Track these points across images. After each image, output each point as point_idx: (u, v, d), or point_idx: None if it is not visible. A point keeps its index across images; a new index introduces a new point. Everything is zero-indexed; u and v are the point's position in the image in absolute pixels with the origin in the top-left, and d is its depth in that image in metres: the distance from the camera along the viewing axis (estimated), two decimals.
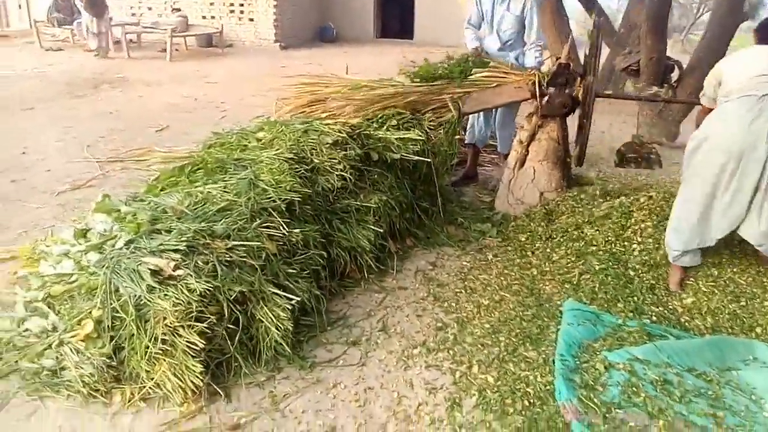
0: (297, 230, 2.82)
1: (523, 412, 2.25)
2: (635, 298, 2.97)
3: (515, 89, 3.94)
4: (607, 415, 2.17)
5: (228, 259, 2.51)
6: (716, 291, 2.93)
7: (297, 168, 3.09)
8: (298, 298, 2.57)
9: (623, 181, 4.92)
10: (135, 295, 2.27)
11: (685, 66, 5.85)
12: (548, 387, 2.36)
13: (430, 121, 4.03)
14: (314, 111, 4.77)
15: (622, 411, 2.21)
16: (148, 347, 2.23)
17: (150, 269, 2.33)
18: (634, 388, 2.31)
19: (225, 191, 2.85)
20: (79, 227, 2.74)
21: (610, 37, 8.15)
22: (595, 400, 2.25)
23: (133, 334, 2.27)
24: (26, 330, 2.41)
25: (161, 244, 2.45)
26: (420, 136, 3.78)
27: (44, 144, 5.45)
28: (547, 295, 3.10)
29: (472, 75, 3.99)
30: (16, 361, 2.35)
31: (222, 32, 13.32)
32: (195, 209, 2.73)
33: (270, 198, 2.83)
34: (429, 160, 3.73)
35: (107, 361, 2.26)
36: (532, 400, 2.29)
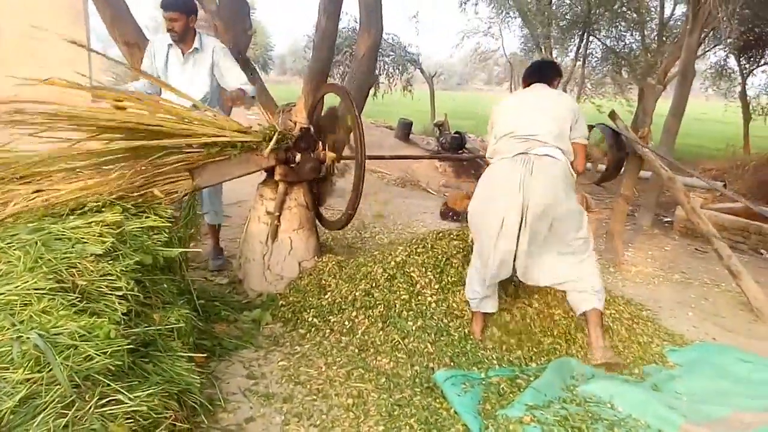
0: (142, 393, 1.84)
1: None
2: (465, 349, 3.10)
3: (257, 157, 3.54)
4: None
5: None
6: (510, 326, 3.30)
7: (71, 299, 2.03)
8: None
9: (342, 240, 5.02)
10: None
11: None
12: None
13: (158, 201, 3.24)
14: None
15: None
16: None
17: None
18: None
19: (6, 371, 1.63)
20: None
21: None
22: None
23: None
24: None
25: None
26: (163, 222, 3.00)
27: None
28: (392, 372, 2.89)
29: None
30: None
31: None
32: None
33: (89, 359, 1.76)
34: (200, 250, 3.00)
35: None
36: None
